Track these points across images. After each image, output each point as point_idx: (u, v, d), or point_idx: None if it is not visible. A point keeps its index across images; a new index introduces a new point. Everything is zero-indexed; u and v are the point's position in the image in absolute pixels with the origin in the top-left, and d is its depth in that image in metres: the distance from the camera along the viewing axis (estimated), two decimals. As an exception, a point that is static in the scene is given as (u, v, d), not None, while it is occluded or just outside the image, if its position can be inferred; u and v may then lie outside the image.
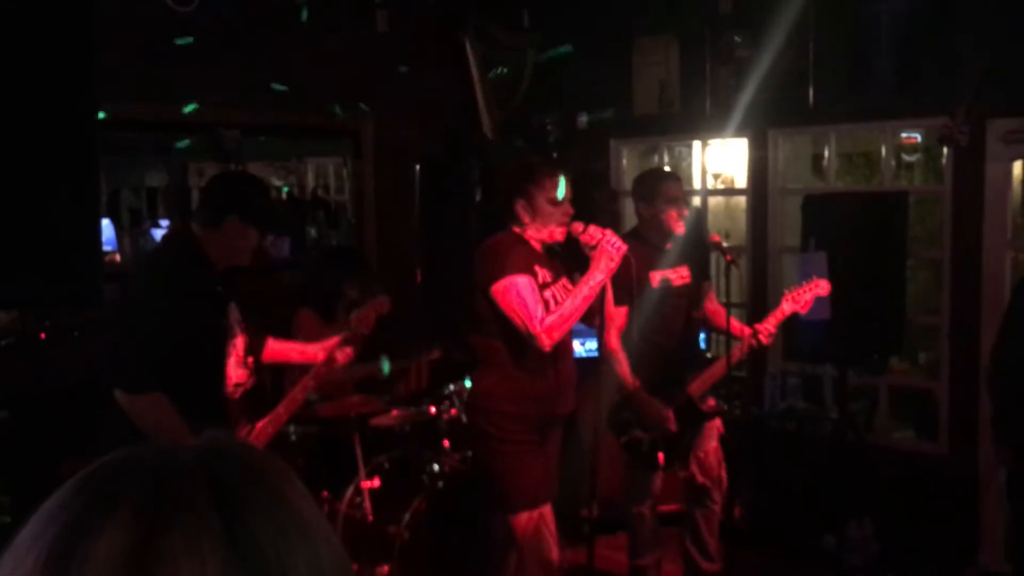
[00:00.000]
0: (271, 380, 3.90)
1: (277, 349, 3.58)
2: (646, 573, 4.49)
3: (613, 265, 3.48)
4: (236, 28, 5.22)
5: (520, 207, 3.62)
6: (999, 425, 4.05)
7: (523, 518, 3.57)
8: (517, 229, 3.66)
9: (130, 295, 3.29)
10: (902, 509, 4.80)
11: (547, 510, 3.61)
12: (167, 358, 2.91)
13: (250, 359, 3.30)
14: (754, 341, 4.05)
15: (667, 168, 5.75)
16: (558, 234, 3.64)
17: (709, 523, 4.39)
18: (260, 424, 3.32)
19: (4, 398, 3.36)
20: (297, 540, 0.64)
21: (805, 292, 4.07)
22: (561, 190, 3.61)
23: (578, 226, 3.57)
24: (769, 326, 4.08)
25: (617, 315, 3.96)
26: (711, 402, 4.24)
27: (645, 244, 4.13)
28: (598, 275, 3.47)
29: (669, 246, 4.19)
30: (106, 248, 5.59)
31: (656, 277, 4.15)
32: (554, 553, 3.62)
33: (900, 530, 4.75)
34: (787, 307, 4.07)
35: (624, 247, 3.49)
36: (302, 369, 3.58)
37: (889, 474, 4.91)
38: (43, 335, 3.87)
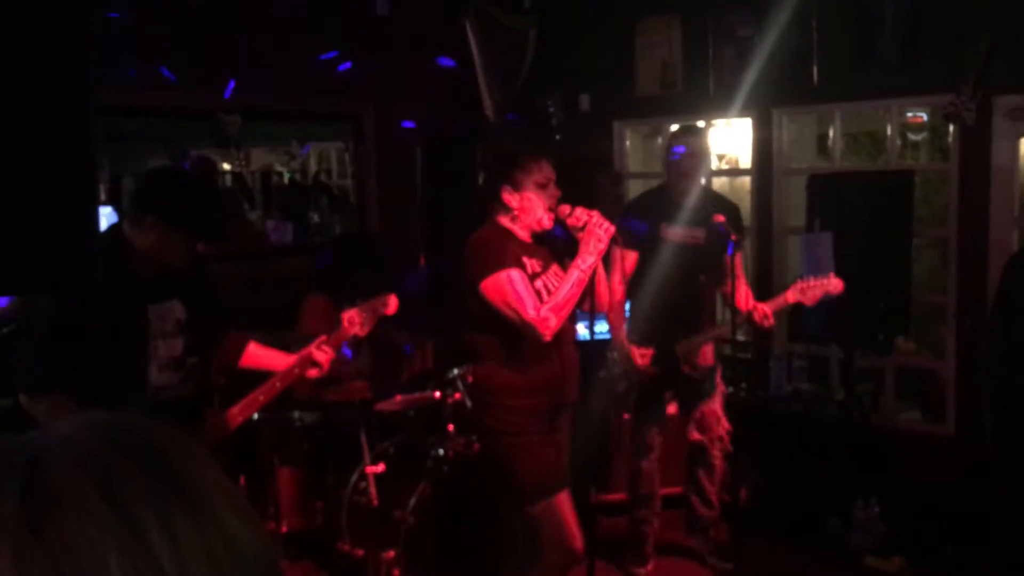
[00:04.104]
0: (228, 385, 3.55)
1: (258, 355, 3.36)
2: (641, 526, 4.53)
3: (602, 247, 3.40)
4: (235, 11, 5.19)
5: (507, 193, 3.52)
6: (996, 409, 4.01)
7: (540, 508, 3.51)
8: (503, 220, 3.56)
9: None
10: (908, 490, 4.79)
11: (564, 497, 3.54)
12: (68, 358, 2.76)
13: (191, 361, 3.05)
14: (747, 318, 4.05)
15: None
16: (547, 221, 3.52)
17: (710, 477, 4.55)
18: (233, 410, 3.16)
19: (7, 386, 3.34)
20: (189, 516, 0.59)
21: (815, 287, 3.98)
22: (547, 173, 3.53)
23: (564, 208, 3.47)
24: (767, 308, 4.05)
25: (626, 259, 4.04)
26: (686, 369, 4.28)
27: (661, 198, 4.38)
28: (588, 258, 3.39)
29: (683, 200, 4.28)
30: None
31: (667, 231, 4.28)
32: (577, 541, 3.54)
33: (906, 511, 4.74)
34: (791, 296, 4.01)
35: (612, 228, 3.41)
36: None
37: (895, 455, 4.89)
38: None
